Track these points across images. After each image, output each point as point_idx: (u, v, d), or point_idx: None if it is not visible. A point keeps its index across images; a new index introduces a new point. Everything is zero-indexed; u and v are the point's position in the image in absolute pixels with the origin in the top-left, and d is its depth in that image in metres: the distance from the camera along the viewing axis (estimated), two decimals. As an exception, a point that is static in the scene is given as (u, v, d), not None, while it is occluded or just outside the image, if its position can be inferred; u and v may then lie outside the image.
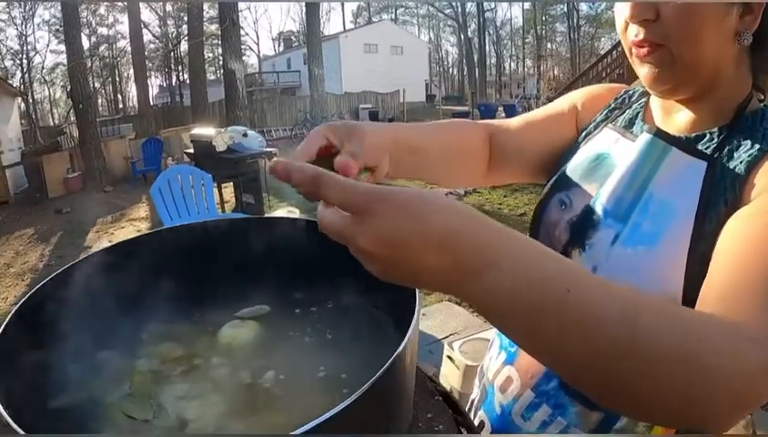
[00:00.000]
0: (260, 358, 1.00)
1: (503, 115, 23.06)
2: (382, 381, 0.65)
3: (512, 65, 78.77)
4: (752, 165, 0.89)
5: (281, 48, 68.31)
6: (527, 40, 72.38)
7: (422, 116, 29.07)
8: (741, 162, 0.91)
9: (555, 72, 67.08)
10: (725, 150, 0.94)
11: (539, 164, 1.28)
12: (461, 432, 0.99)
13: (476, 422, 1.21)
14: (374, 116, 27.46)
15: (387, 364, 0.66)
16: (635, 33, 0.96)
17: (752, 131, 0.94)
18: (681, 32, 0.90)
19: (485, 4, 61.75)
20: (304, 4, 27.48)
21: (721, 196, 0.90)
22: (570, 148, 1.21)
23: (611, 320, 0.59)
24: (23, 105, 23.23)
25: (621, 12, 0.96)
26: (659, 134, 1.01)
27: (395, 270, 0.60)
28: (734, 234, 0.82)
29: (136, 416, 0.85)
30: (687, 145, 0.98)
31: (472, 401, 1.30)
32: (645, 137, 1.02)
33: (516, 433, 1.13)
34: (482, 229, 0.60)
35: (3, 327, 0.79)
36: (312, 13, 26.51)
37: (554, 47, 71.01)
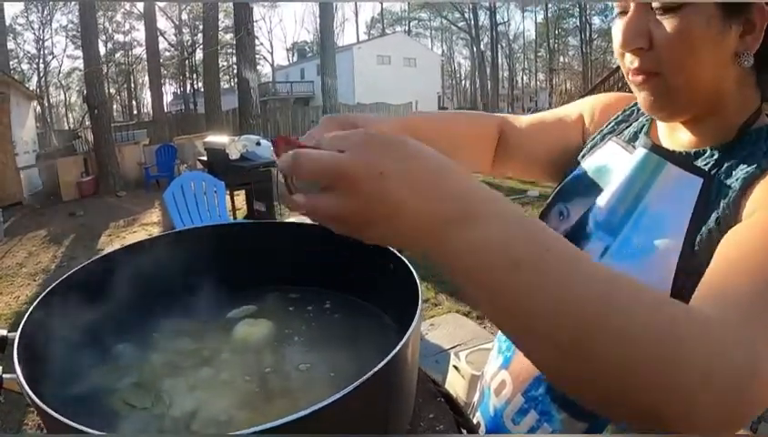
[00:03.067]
0: (271, 354, 1.02)
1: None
2: (382, 374, 0.68)
3: (525, 78, 78.46)
4: (749, 182, 0.86)
5: (295, 58, 68.42)
6: (539, 54, 72.08)
7: (434, 127, 28.92)
8: (737, 180, 0.88)
9: (567, 85, 66.81)
10: (723, 167, 0.91)
11: (541, 164, 1.32)
12: (462, 433, 1.01)
13: (475, 421, 1.24)
14: (386, 128, 27.44)
15: (388, 357, 0.69)
16: (630, 60, 0.95)
17: (754, 149, 0.90)
18: (675, 60, 0.89)
19: (498, 17, 61.72)
20: (318, 15, 27.46)
21: (713, 213, 0.88)
22: (576, 157, 1.23)
23: (583, 283, 0.57)
24: (38, 108, 23.32)
25: (617, 38, 0.94)
26: (654, 149, 1.00)
27: (375, 212, 0.58)
28: (730, 243, 0.79)
29: (136, 404, 0.89)
30: (684, 160, 0.96)
31: (473, 404, 1.33)
32: (641, 152, 1.01)
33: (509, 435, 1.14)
34: (465, 180, 0.60)
35: (23, 322, 0.84)
36: (326, 24, 26.53)
37: (567, 61, 70.69)
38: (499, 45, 65.53)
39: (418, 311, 0.82)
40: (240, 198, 10.05)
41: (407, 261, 0.98)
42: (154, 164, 16.62)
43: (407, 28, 70.17)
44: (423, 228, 0.58)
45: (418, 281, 0.91)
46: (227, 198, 8.39)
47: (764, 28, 0.87)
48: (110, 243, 9.86)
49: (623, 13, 0.94)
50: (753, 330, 0.60)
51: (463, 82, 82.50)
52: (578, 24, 62.11)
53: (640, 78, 0.94)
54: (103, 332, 1.04)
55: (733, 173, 0.89)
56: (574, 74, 66.70)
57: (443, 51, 74.33)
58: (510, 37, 71.41)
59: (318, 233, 1.19)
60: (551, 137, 1.29)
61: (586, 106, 1.28)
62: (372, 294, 1.13)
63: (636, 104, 1.17)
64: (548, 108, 1.39)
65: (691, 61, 0.88)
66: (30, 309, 0.87)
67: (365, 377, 0.65)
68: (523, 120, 1.35)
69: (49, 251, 9.65)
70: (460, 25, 64.75)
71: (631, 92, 1.03)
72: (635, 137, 1.11)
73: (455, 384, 3.32)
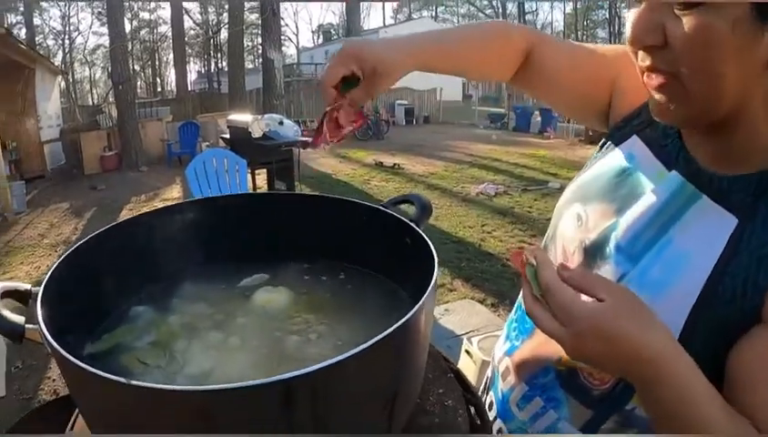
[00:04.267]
0: (287, 321, 1.03)
1: (539, 119, 22.81)
2: (393, 339, 0.68)
3: (551, 69, 77.73)
4: None
5: (320, 41, 68.28)
6: (567, 45, 71.41)
7: (458, 116, 28.91)
8: None
9: (594, 78, 66.13)
10: (760, 210, 0.82)
11: (559, 96, 1.27)
12: (470, 410, 1.01)
13: (487, 402, 1.25)
14: (410, 113, 27.41)
15: (400, 322, 0.69)
16: (642, 57, 0.85)
17: None
18: (692, 63, 0.77)
19: (526, 6, 61.29)
20: (345, -3, 27.39)
21: (743, 267, 0.81)
22: (597, 110, 1.18)
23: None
24: (63, 83, 23.49)
25: (628, 32, 0.84)
26: (689, 177, 0.92)
27: (596, 366, 0.88)
28: None
29: (149, 362, 0.91)
30: (720, 192, 0.87)
31: (486, 381, 1.33)
32: (676, 179, 0.93)
33: (514, 422, 1.15)
34: (666, 344, 0.74)
35: (47, 276, 0.86)
36: (352, 7, 26.51)
37: (594, 53, 69.88)
38: (525, 35, 64.94)
39: (433, 280, 0.82)
40: (261, 177, 10.08)
41: (424, 235, 0.98)
42: (176, 141, 16.73)
43: (434, 14, 69.75)
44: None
45: (434, 253, 0.90)
46: (249, 176, 8.41)
47: None
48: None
49: (639, 1, 0.83)
50: None
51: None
52: (607, 16, 61.36)
53: (656, 82, 0.84)
54: (120, 293, 1.08)
55: None
56: (601, 66, 65.89)
57: (469, 38, 73.64)
58: (538, 27, 70.89)
59: (331, 205, 1.20)
60: (579, 77, 1.20)
61: (622, 69, 1.11)
62: (388, 268, 1.14)
63: None
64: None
65: (710, 69, 0.77)
66: (54, 265, 0.89)
67: (375, 339, 0.66)
68: (558, 47, 1.25)
69: (70, 224, 9.75)
70: (488, 12, 64.30)
71: None
72: (665, 135, 1.00)
73: (466, 369, 3.30)
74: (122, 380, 0.58)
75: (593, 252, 1.02)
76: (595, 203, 1.06)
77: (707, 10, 0.74)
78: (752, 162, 0.85)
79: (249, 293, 1.12)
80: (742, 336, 0.80)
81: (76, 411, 0.97)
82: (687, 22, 0.75)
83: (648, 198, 0.96)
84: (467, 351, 3.42)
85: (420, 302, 0.74)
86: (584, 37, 64.88)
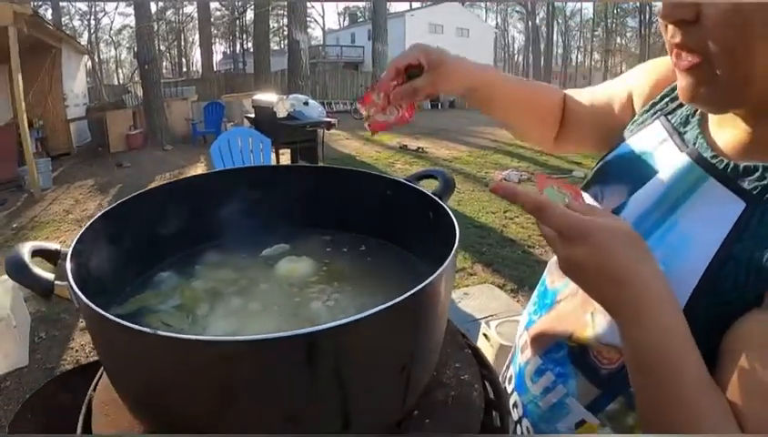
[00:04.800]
0: (307, 289, 1.05)
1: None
2: (410, 304, 0.70)
3: (579, 57, 77.31)
4: None
5: (346, 23, 68.19)
6: (596, 33, 70.78)
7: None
8: None
9: (623, 68, 65.44)
10: None
11: (602, 141, 1.26)
12: (485, 386, 1.02)
13: (508, 375, 1.27)
14: (435, 97, 27.37)
15: (418, 287, 0.70)
16: (671, 33, 0.81)
17: None
18: (723, 42, 0.73)
19: (556, -8, 60.69)
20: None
21: (747, 253, 0.77)
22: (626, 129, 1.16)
23: (693, 407, 0.71)
24: (89, 63, 23.65)
25: (659, 4, 0.81)
26: (699, 160, 0.88)
27: (581, 283, 0.79)
28: None
29: (173, 324, 0.95)
30: (728, 177, 0.84)
31: (509, 356, 1.35)
32: (684, 160, 0.90)
33: (527, 395, 1.15)
34: (653, 282, 0.74)
35: (77, 238, 0.88)
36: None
37: (624, 42, 69.31)
38: (555, 21, 64.47)
39: (453, 249, 0.83)
40: (285, 156, 10.11)
41: (447, 208, 0.98)
42: (201, 120, 16.81)
43: (461, -2, 69.37)
44: (612, 309, 0.77)
45: (456, 225, 0.91)
46: (273, 155, 8.45)
47: None
48: (155, 195, 10.00)
49: None
50: None
51: (516, 56, 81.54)
52: (637, 5, 60.57)
53: (685, 63, 0.80)
54: (147, 258, 1.11)
55: None
56: (631, 56, 65.17)
57: (497, 23, 73.30)
58: (567, 14, 70.25)
59: (355, 178, 1.21)
60: (607, 115, 1.23)
61: (635, 83, 1.17)
62: (409, 241, 1.15)
63: None
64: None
65: (744, 49, 0.73)
66: (84, 227, 0.91)
67: (394, 301, 0.67)
68: (582, 96, 1.32)
69: (95, 200, 9.84)
70: (516, -3, 63.84)
71: None
72: (686, 121, 0.98)
73: (483, 352, 3.32)
74: (148, 330, 0.59)
75: None
76: (611, 184, 1.07)
77: None
78: None
79: (272, 262, 1.14)
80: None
81: (99, 371, 0.99)
82: None
83: (656, 180, 0.94)
84: (485, 335, 3.43)
85: (440, 269, 0.75)
86: (614, 25, 64.21)
